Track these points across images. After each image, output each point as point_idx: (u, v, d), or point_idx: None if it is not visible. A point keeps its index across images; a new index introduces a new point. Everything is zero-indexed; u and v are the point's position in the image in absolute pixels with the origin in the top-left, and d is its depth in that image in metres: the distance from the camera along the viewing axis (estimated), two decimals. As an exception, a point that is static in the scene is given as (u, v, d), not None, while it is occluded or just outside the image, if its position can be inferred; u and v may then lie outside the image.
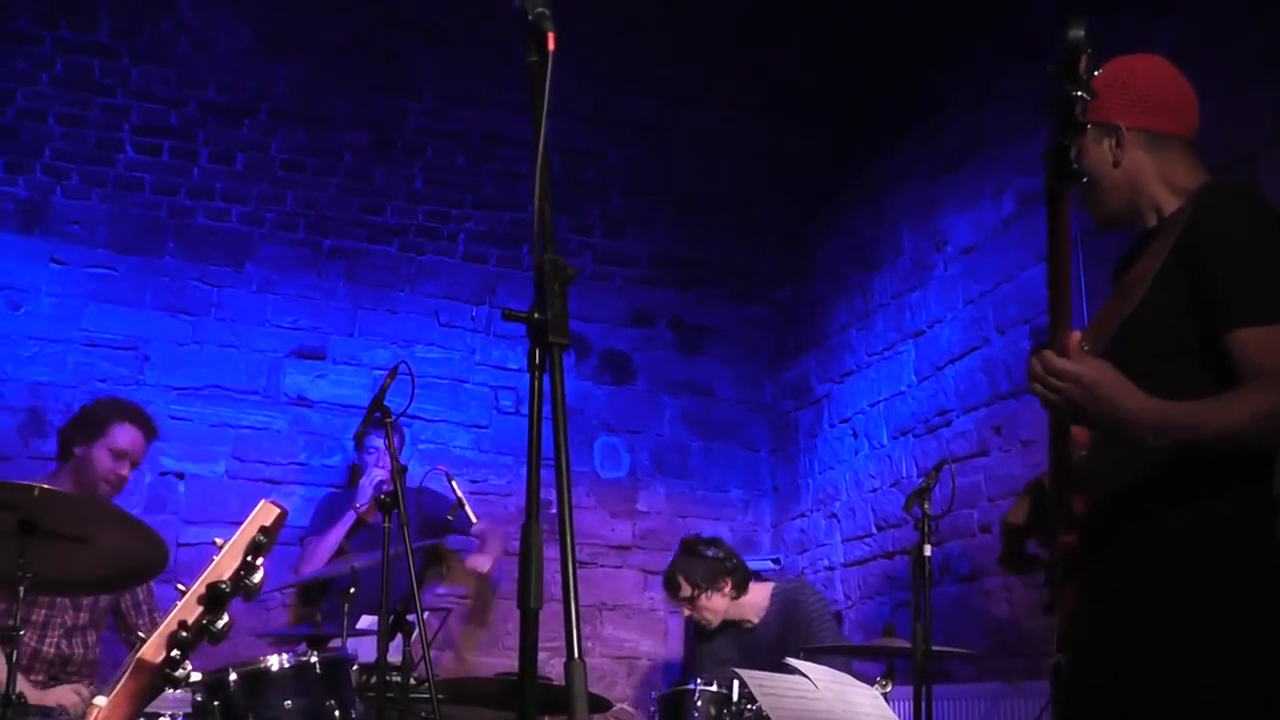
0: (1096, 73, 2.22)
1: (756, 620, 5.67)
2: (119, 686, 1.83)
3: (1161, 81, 2.73)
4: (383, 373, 4.67)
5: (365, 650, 4.87)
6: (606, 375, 7.78)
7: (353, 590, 5.01)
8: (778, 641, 5.49)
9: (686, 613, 5.71)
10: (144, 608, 5.30)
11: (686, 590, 5.62)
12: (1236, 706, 2.34)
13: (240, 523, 2.04)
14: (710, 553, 5.69)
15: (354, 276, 7.33)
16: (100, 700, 1.83)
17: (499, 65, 6.54)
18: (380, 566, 4.36)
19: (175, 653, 1.82)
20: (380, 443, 6.08)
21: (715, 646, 5.73)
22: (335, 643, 4.99)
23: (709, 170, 7.47)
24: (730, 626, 5.72)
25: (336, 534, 6.35)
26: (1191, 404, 2.39)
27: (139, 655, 1.87)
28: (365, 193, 7.18)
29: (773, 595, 5.71)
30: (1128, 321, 2.57)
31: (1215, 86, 4.46)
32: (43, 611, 4.91)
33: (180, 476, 6.83)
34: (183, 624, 1.87)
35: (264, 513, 1.91)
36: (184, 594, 1.89)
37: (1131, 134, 2.67)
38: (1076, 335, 2.40)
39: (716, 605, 5.63)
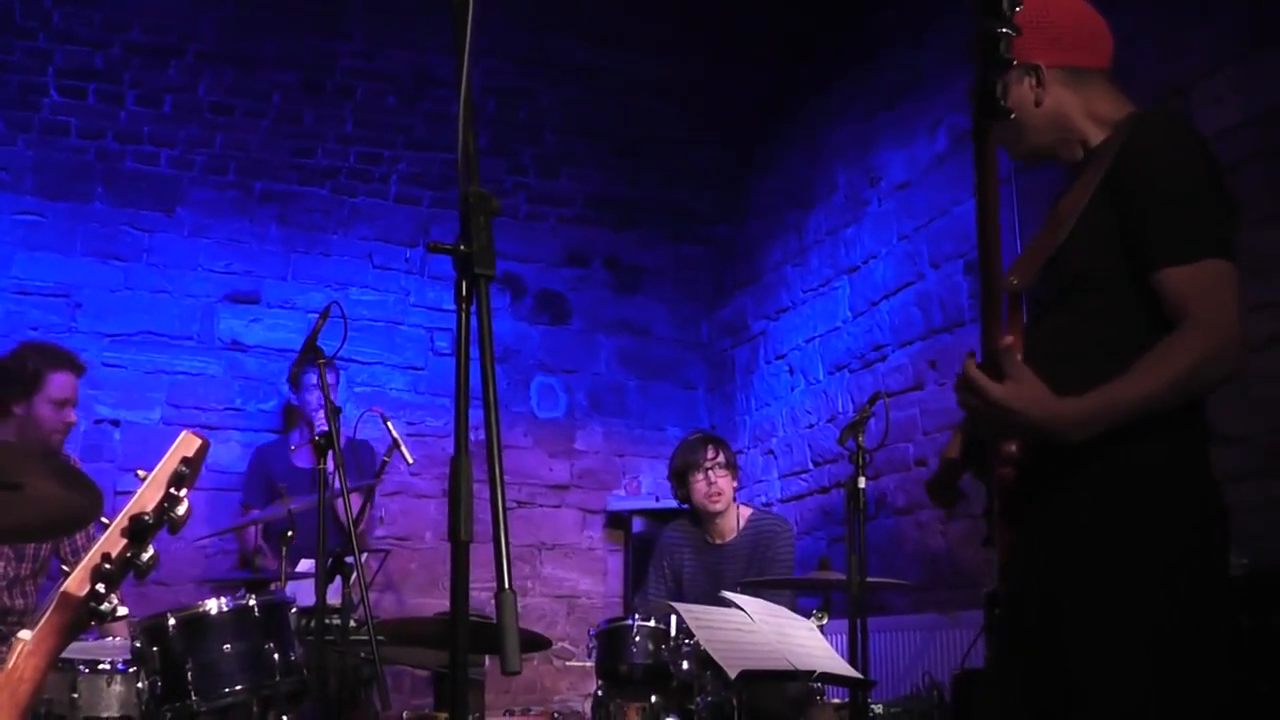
0: (1019, 8, 2.22)
1: (725, 540, 5.64)
2: (44, 620, 1.82)
3: (1076, 16, 2.73)
4: (317, 316, 4.62)
5: (304, 593, 4.87)
6: (542, 315, 7.76)
7: (290, 533, 5.00)
8: (744, 568, 5.50)
9: (702, 484, 5.57)
10: (83, 555, 5.23)
11: (724, 458, 5.63)
12: (1172, 646, 2.36)
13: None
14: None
15: (286, 219, 7.26)
16: (25, 634, 1.82)
17: (429, 6, 6.46)
18: (317, 509, 4.34)
19: (100, 586, 1.82)
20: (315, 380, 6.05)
21: (679, 560, 5.69)
22: (274, 586, 4.99)
23: (644, 110, 7.43)
24: (700, 542, 5.69)
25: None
26: (1106, 387, 2.37)
27: (63, 589, 1.86)
28: (295, 135, 7.09)
29: (749, 519, 5.68)
30: (1057, 254, 2.57)
31: (1149, 20, 4.52)
32: None
33: (115, 424, 6.78)
34: (106, 556, 1.86)
35: (186, 444, 1.90)
36: (107, 527, 1.88)
37: (1051, 72, 2.68)
38: (1009, 340, 2.38)
39: (728, 491, 5.64)
